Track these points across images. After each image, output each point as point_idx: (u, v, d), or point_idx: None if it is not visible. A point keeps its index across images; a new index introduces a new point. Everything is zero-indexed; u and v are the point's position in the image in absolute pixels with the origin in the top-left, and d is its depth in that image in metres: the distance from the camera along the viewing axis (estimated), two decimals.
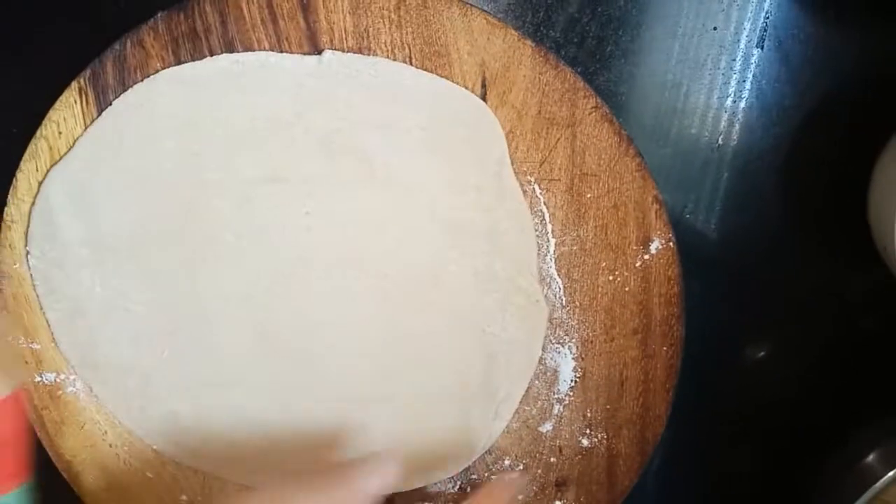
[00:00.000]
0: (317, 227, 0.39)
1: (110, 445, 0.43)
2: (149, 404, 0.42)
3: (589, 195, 0.38)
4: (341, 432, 0.41)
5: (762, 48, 0.38)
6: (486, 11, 0.36)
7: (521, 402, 0.41)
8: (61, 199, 0.39)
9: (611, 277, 0.39)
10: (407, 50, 0.37)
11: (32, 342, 0.42)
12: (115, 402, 0.42)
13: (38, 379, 0.42)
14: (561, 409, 0.41)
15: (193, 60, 0.37)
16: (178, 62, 0.37)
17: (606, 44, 0.38)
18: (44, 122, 0.39)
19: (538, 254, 0.39)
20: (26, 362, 0.42)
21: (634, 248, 0.38)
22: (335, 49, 0.37)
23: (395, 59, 0.37)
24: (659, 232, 0.38)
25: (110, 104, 0.38)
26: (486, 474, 0.42)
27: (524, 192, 0.38)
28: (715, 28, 0.38)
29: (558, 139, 0.37)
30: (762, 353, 0.43)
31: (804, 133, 0.39)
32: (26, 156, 0.39)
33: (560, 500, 0.41)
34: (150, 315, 0.41)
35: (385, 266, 0.39)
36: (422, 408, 0.41)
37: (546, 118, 0.37)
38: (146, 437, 0.42)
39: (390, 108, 0.37)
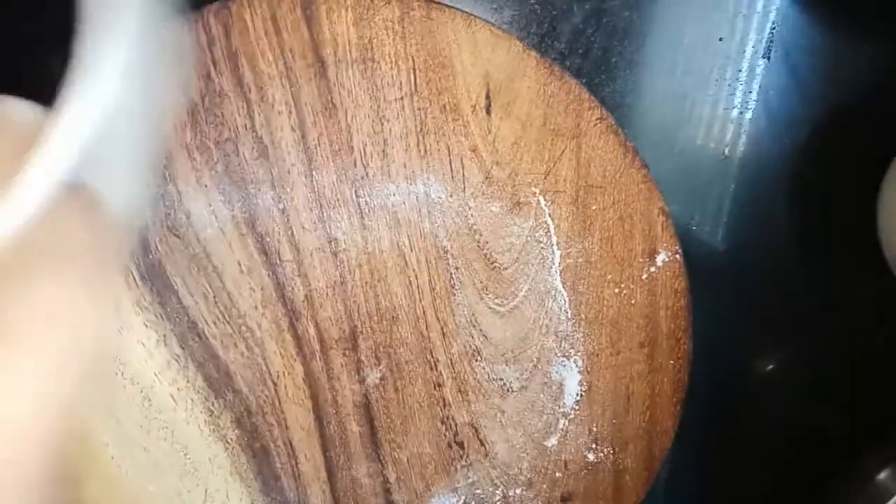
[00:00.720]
0: None
1: None
2: None
3: (594, 207, 0.38)
4: None
5: (769, 59, 0.38)
6: (490, 23, 0.36)
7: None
8: None
9: (617, 290, 0.38)
10: (411, 61, 0.37)
11: None
12: None
13: None
14: (566, 424, 0.40)
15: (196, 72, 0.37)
16: None
17: (611, 55, 0.38)
18: None
19: (543, 266, 0.38)
20: None
21: (640, 260, 0.38)
22: (339, 60, 0.37)
23: (398, 70, 0.37)
24: (665, 244, 0.38)
25: None
26: (491, 490, 0.41)
27: (529, 203, 0.38)
28: (720, 39, 0.38)
29: (563, 150, 0.37)
30: (770, 367, 0.42)
31: (812, 144, 0.39)
32: None
33: None
34: None
35: None
36: None
37: (551, 129, 0.37)
38: None
39: None
